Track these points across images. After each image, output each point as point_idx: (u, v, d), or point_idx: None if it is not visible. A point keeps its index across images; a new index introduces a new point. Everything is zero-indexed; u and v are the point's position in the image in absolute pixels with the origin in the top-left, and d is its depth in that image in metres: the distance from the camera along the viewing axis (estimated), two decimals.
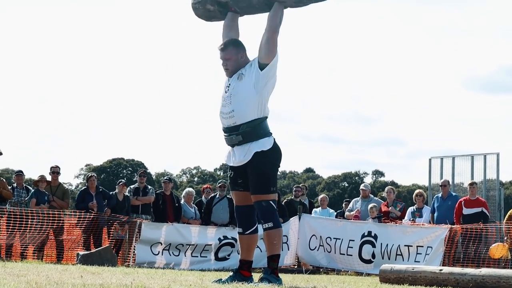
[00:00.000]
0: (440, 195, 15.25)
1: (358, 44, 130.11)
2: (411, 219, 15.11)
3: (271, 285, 6.01)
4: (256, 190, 6.54)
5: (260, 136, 6.55)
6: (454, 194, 15.62)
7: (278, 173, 6.91)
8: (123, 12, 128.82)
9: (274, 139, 6.67)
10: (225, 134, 6.63)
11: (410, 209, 15.44)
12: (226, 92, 6.60)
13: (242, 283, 6.13)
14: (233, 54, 6.57)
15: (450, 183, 16.65)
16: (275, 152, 6.64)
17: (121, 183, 15.33)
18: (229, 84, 6.60)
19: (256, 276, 6.65)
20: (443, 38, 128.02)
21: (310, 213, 16.27)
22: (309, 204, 17.13)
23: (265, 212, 6.50)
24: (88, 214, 14.21)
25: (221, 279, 6.44)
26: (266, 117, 6.64)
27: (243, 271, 6.59)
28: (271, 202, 6.54)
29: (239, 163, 6.62)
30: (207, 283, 6.05)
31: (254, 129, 6.53)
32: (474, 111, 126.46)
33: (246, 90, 6.49)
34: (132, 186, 15.72)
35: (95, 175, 15.79)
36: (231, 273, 6.67)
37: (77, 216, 14.40)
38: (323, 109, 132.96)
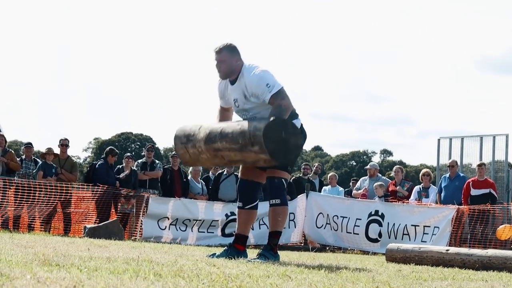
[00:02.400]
0: (447, 175, 15.18)
1: (371, 22, 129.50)
2: (417, 198, 15.07)
3: (267, 262, 5.97)
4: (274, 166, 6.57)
5: (291, 118, 6.54)
6: (462, 174, 15.55)
7: None
8: None
9: (301, 122, 6.74)
10: None
11: (416, 188, 15.38)
12: (236, 105, 6.64)
13: (237, 258, 6.14)
14: (227, 57, 6.54)
15: (458, 163, 16.57)
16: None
17: (127, 157, 15.30)
18: (236, 99, 6.60)
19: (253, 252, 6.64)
20: (456, 18, 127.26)
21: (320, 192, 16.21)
22: (319, 184, 17.05)
23: (275, 188, 6.54)
24: (97, 187, 14.18)
25: (215, 254, 6.50)
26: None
27: (237, 245, 6.65)
28: (283, 180, 6.58)
29: None
30: (213, 258, 6.06)
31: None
32: (484, 91, 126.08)
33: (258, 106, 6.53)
34: (139, 161, 15.68)
35: (116, 150, 15.40)
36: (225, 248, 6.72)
37: (90, 190, 14.38)
38: (333, 87, 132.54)
